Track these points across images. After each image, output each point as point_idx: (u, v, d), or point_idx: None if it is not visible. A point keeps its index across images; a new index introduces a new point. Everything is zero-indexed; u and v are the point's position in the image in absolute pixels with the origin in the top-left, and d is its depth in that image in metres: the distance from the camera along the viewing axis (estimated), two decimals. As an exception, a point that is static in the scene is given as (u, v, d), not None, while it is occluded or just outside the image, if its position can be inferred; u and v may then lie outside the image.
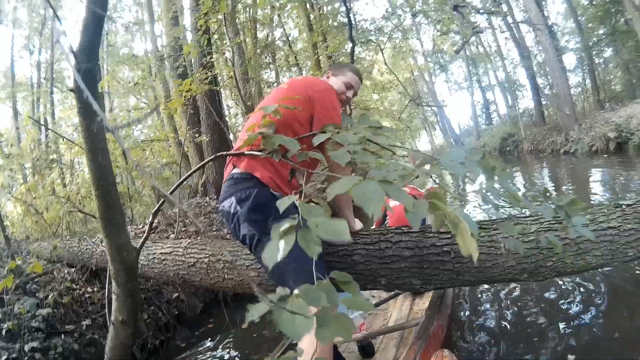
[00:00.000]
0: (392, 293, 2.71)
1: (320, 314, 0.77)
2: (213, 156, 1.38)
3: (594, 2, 16.59)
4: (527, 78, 20.82)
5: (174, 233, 4.12)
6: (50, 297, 2.80)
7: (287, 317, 0.72)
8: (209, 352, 3.00)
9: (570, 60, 22.76)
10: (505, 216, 2.06)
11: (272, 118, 1.32)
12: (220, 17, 4.58)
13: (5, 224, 6.00)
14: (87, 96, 1.33)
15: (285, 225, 0.82)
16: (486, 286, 3.04)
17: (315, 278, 0.85)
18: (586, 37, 17.97)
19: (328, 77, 1.87)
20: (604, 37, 17.30)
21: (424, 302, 2.68)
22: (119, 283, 1.43)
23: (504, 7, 20.27)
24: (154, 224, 1.47)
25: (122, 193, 5.84)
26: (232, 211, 1.48)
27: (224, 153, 1.33)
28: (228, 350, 2.99)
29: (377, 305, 2.74)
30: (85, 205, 5.53)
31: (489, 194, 1.21)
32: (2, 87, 14.67)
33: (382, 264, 1.68)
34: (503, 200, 1.26)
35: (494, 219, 1.78)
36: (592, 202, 5.59)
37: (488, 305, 2.82)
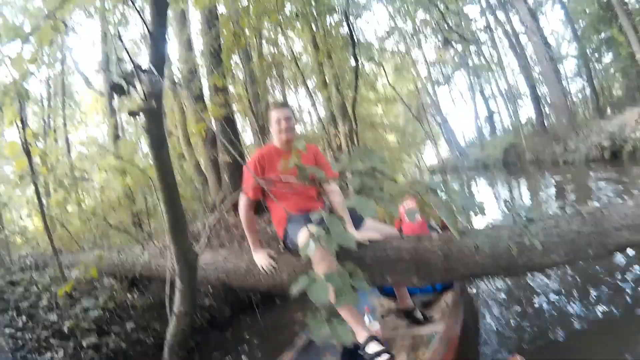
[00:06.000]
0: None
1: (337, 290, 1.21)
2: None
3: (587, 11, 16.73)
4: (527, 87, 21.12)
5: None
6: (100, 300, 3.22)
7: (314, 289, 1.18)
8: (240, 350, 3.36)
9: (571, 67, 22.97)
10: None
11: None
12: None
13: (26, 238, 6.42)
14: (159, 134, 1.76)
15: (313, 230, 1.29)
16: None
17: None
18: (582, 45, 18.25)
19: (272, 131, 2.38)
20: (600, 44, 17.44)
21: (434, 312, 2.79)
22: (183, 280, 1.85)
23: (502, 17, 20.75)
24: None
25: (141, 211, 6.20)
26: None
27: (266, 178, 1.76)
28: (256, 347, 3.36)
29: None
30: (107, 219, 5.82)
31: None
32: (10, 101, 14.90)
33: (387, 264, 2.12)
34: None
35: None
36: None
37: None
